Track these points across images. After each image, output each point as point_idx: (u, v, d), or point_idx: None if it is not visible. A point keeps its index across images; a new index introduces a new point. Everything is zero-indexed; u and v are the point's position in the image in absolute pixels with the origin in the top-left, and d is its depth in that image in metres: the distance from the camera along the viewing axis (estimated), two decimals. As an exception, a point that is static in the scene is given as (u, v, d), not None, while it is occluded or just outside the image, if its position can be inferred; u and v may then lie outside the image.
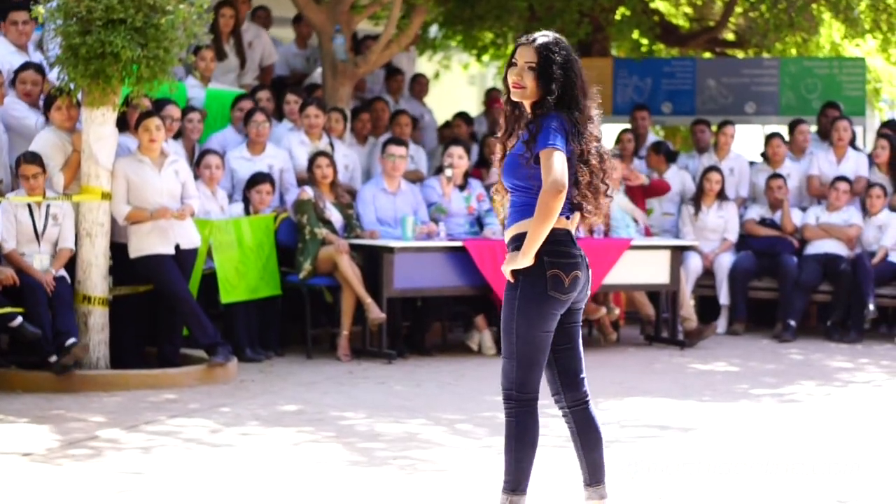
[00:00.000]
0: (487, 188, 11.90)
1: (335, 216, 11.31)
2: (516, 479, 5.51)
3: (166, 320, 10.06)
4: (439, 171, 12.34)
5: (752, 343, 12.49)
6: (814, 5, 15.19)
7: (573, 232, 5.49)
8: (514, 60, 5.49)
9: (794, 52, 16.45)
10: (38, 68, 10.33)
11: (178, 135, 11.02)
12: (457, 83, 22.95)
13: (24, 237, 9.54)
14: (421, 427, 8.11)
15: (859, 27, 15.47)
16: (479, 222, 12.05)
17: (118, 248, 9.84)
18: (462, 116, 14.78)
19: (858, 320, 12.64)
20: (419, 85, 15.29)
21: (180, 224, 9.91)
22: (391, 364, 10.79)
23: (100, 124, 9.49)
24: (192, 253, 10.13)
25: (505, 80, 5.54)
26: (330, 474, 6.84)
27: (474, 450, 7.49)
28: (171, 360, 9.96)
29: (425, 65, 18.70)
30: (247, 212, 11.13)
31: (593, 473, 5.64)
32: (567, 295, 5.43)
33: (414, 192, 11.89)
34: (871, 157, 13.64)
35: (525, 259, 5.36)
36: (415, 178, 12.56)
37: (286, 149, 11.87)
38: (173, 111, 10.64)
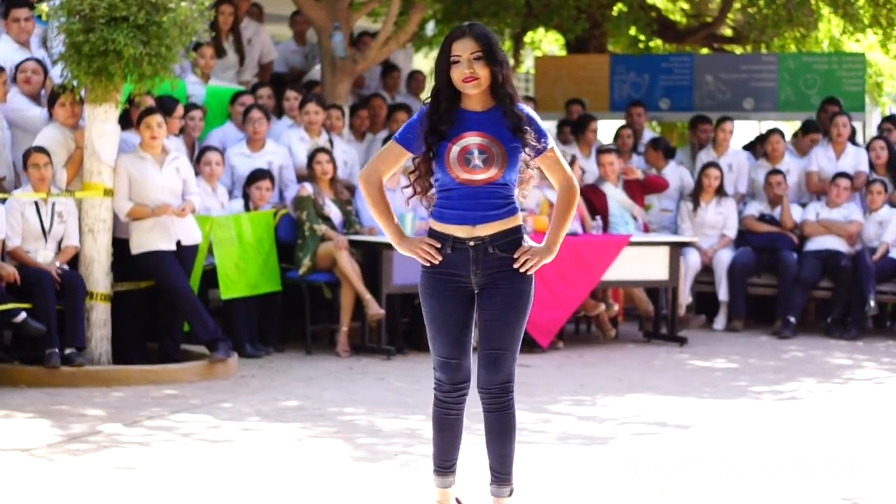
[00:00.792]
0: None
1: (334, 212, 11.32)
2: (511, 471, 5.54)
3: (167, 316, 10.10)
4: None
5: (751, 340, 12.47)
6: (812, 0, 15.19)
7: None
8: (454, 57, 5.23)
9: (792, 47, 16.41)
10: (39, 61, 10.35)
11: (179, 132, 11.04)
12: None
13: (31, 235, 9.55)
14: (420, 423, 8.12)
15: (859, 22, 15.46)
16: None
17: (119, 244, 9.86)
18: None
19: (859, 317, 12.63)
20: (416, 81, 15.30)
21: (181, 220, 9.94)
22: (390, 360, 10.81)
23: (102, 121, 9.52)
24: (193, 249, 10.16)
25: (445, 79, 5.27)
26: (330, 469, 6.86)
27: (473, 445, 7.49)
28: (171, 356, 9.99)
29: (422, 61, 18.69)
30: (247, 208, 11.14)
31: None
32: None
33: (413, 188, 11.87)
34: (868, 149, 13.61)
35: (552, 255, 5.40)
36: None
37: (286, 145, 11.88)
38: (181, 110, 10.68)
